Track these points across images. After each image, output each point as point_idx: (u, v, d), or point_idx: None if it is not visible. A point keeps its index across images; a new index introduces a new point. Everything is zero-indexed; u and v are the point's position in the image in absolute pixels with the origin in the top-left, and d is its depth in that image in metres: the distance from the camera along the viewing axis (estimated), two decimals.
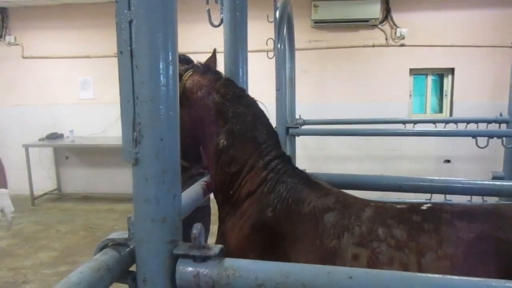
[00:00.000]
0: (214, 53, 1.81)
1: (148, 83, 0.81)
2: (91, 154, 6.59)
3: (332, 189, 1.38)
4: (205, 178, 1.60)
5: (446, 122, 4.77)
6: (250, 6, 2.53)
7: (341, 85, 5.85)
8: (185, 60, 2.00)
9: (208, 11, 1.69)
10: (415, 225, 1.14)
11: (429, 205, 1.20)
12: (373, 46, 5.67)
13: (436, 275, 0.80)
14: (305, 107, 5.06)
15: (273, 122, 3.65)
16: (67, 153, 6.70)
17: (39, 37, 6.56)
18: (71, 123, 6.37)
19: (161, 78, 0.81)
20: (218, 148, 1.48)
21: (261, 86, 4.15)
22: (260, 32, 3.84)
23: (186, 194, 1.40)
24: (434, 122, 4.95)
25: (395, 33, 5.59)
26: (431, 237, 1.10)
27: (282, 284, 0.81)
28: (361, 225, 1.18)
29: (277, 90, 3.69)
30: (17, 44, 6.57)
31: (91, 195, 6.56)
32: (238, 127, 1.48)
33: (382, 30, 5.64)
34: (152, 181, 0.83)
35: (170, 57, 0.81)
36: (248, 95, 1.62)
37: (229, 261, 0.86)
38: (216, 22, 1.71)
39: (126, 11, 0.79)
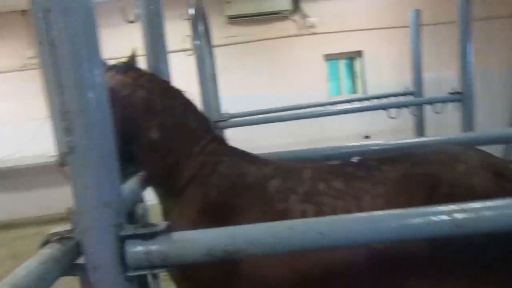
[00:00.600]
0: (134, 51, 1.80)
1: (71, 70, 0.81)
2: (7, 178, 6.10)
3: (269, 159, 1.46)
4: (140, 173, 1.60)
5: (360, 100, 5.14)
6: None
7: (262, 77, 6.02)
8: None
9: (122, 8, 1.69)
10: (349, 175, 1.27)
11: (357, 158, 1.34)
12: (287, 36, 5.91)
13: (358, 214, 0.91)
14: (230, 102, 5.14)
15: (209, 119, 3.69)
16: None
17: None
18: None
19: (85, 64, 0.82)
20: (151, 143, 1.50)
21: (183, 86, 4.14)
22: (175, 32, 3.86)
23: (124, 188, 1.40)
24: (349, 101, 5.31)
25: (306, 22, 5.87)
26: (364, 182, 1.24)
27: (230, 245, 0.86)
28: (303, 184, 1.28)
29: (201, 85, 3.73)
30: None
31: (14, 221, 6.08)
32: (169, 118, 1.51)
33: (294, 21, 5.89)
34: (89, 167, 0.84)
35: (92, 42, 0.82)
36: (173, 87, 1.65)
37: (177, 235, 0.89)
38: (132, 18, 1.71)
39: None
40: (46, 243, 0.87)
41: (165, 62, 1.75)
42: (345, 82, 6.40)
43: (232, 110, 4.91)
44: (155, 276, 0.97)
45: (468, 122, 3.87)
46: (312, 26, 5.88)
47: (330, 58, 6.21)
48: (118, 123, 1.55)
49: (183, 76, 4.56)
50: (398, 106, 4.26)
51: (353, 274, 1.18)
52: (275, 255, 1.21)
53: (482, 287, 1.15)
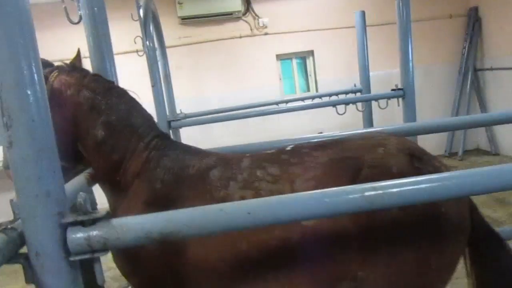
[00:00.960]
0: (78, 52, 1.83)
1: (10, 70, 0.86)
2: None
3: (211, 151, 1.56)
4: (88, 170, 1.64)
5: (312, 98, 5.32)
6: (112, 6, 2.54)
7: (216, 77, 6.10)
8: (46, 64, 1.99)
9: (65, 8, 1.72)
10: (284, 162, 1.39)
11: (292, 146, 1.46)
12: (240, 37, 6.03)
13: (282, 195, 1.02)
14: (185, 102, 5.18)
15: (153, 118, 3.70)
16: None
17: None
18: None
19: (23, 64, 0.87)
20: (97, 141, 1.55)
21: (137, 86, 4.14)
22: (126, 33, 3.86)
23: (70, 184, 1.44)
24: (302, 99, 5.49)
25: (258, 23, 6.02)
26: (297, 167, 1.35)
27: (166, 227, 0.95)
28: (242, 172, 1.38)
29: (152, 86, 3.76)
30: None
31: None
32: (113, 117, 1.56)
33: (246, 22, 6.02)
34: (30, 160, 0.89)
35: (28, 41, 0.88)
36: (117, 86, 1.70)
37: (116, 220, 0.96)
38: (75, 20, 1.74)
39: None
40: None
41: (110, 62, 1.80)
42: (298, 80, 6.60)
43: (188, 110, 4.96)
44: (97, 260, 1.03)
45: (410, 116, 4.12)
46: (264, 27, 6.04)
47: (283, 57, 6.39)
48: (64, 123, 1.60)
49: (136, 76, 4.56)
50: (347, 102, 4.46)
51: (288, 251, 1.29)
52: (216, 238, 1.32)
53: (400, 261, 1.29)
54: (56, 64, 1.72)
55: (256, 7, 5.99)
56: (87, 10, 1.71)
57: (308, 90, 6.59)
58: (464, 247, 1.42)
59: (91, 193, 1.56)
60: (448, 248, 1.33)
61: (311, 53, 6.34)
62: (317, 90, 6.38)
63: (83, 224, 0.93)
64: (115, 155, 1.53)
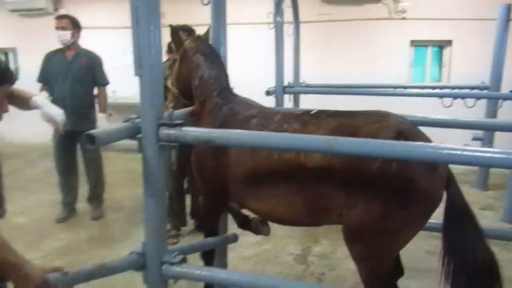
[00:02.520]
0: (208, 29, 2.63)
1: (144, 33, 1.64)
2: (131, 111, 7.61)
3: (257, 104, 2.22)
4: (190, 108, 2.45)
5: (433, 88, 5.36)
6: None
7: (346, 56, 6.48)
8: (187, 29, 2.91)
9: None
10: (305, 121, 1.96)
11: (316, 111, 2.01)
12: (377, 19, 6.26)
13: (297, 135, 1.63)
14: (312, 74, 5.76)
15: (272, 83, 4.42)
16: (111, 110, 7.75)
17: (87, 10, 7.57)
18: (115, 85, 7.39)
19: (151, 30, 1.64)
20: (195, 87, 2.35)
21: (265, 53, 4.92)
22: (263, 6, 4.57)
23: (181, 111, 2.28)
24: (432, 87, 5.53)
25: (397, 7, 6.14)
26: (313, 126, 1.91)
27: (207, 137, 1.65)
28: (273, 123, 2.01)
29: (276, 56, 4.46)
30: None
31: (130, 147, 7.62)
32: (206, 74, 2.33)
33: (386, 4, 6.20)
34: (147, 86, 1.68)
35: (153, 15, 1.63)
36: (217, 55, 2.45)
37: (185, 128, 1.70)
38: (206, 1, 2.52)
39: None
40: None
41: (223, 33, 2.54)
42: (429, 69, 6.54)
43: (313, 82, 5.48)
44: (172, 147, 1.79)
45: None
46: (402, 11, 6.13)
47: (417, 44, 6.39)
48: (186, 72, 2.43)
49: (269, 45, 5.19)
50: (467, 97, 4.30)
51: (291, 172, 1.87)
52: (245, 153, 1.99)
53: (372, 206, 1.74)
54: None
55: None
56: None
57: (440, 80, 6.49)
58: (430, 212, 1.78)
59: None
60: (415, 208, 1.72)
61: (449, 42, 6.20)
62: (449, 82, 6.25)
63: (168, 126, 1.70)
64: (201, 97, 2.31)
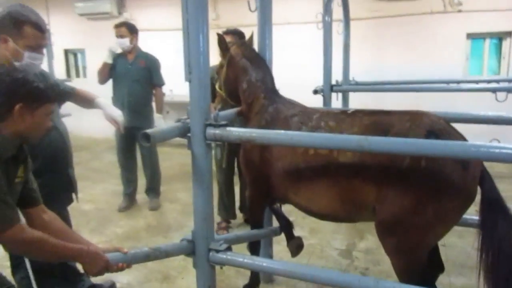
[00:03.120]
0: (252, 35, 2.79)
1: (195, 42, 1.83)
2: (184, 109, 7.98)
3: (299, 104, 2.35)
4: (238, 108, 2.62)
5: (488, 81, 5.15)
6: None
7: (399, 51, 6.35)
8: (236, 32, 3.13)
9: (248, 2, 2.67)
10: (341, 119, 2.09)
11: (353, 109, 2.12)
12: (431, 12, 6.08)
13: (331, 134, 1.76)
14: (365, 71, 5.73)
15: (321, 82, 4.50)
16: (168, 108, 8.17)
17: (148, 13, 8.04)
18: (172, 84, 7.78)
19: (200, 39, 1.82)
20: (243, 90, 2.53)
21: (314, 52, 4.99)
22: (312, 7, 4.65)
23: (228, 112, 2.47)
24: (488, 81, 5.32)
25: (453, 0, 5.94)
26: (347, 124, 2.03)
27: (249, 136, 1.81)
28: (312, 121, 2.15)
29: (324, 55, 4.54)
30: (132, 20, 8.10)
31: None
32: (252, 77, 2.50)
33: None
34: (196, 89, 1.87)
35: (203, 26, 1.80)
36: (262, 59, 2.61)
37: (229, 128, 1.88)
38: (253, 9, 2.68)
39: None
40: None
41: (270, 36, 2.68)
42: (487, 62, 6.26)
43: (366, 79, 5.47)
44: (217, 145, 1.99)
45: None
46: (459, 3, 5.92)
47: (474, 37, 6.14)
48: (233, 76, 2.61)
49: (317, 44, 5.22)
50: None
51: (326, 170, 2.01)
52: (285, 149, 2.14)
53: (404, 201, 1.83)
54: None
55: None
56: (259, 4, 2.60)
57: (498, 73, 6.20)
58: (465, 207, 1.83)
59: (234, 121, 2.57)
60: (446, 203, 1.78)
61: (509, 34, 5.90)
62: (508, 75, 5.96)
63: (213, 126, 1.89)
64: (249, 99, 2.49)
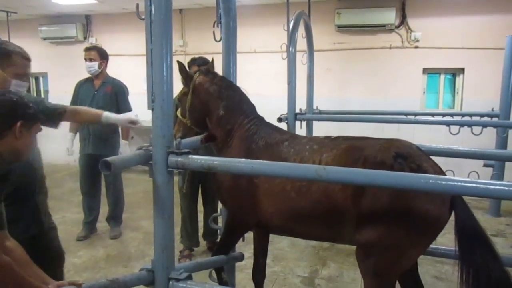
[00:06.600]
0: (212, 61, 2.84)
1: (159, 71, 1.85)
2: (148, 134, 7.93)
3: (288, 132, 2.52)
4: (202, 135, 2.64)
5: (442, 115, 5.45)
6: (270, 15, 3.33)
7: (360, 83, 6.66)
8: (203, 60, 3.20)
9: (214, 32, 2.73)
10: (324, 143, 2.19)
11: (336, 136, 2.24)
12: (390, 47, 6.43)
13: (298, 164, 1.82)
14: (328, 101, 5.93)
15: (284, 110, 4.61)
16: (133, 133, 8.06)
17: (114, 38, 8.02)
18: (137, 110, 7.73)
19: (164, 68, 1.85)
20: (219, 117, 2.53)
21: (279, 81, 5.13)
22: (278, 36, 4.80)
23: (191, 139, 2.48)
24: (442, 115, 5.62)
25: (410, 36, 6.31)
26: (328, 148, 2.13)
27: (210, 165, 1.83)
28: (299, 146, 2.24)
29: (288, 84, 4.67)
30: (98, 45, 8.06)
31: None
32: (230, 103, 2.52)
33: (399, 34, 6.38)
34: (159, 118, 1.88)
35: (167, 54, 1.85)
36: (235, 85, 2.65)
37: (191, 156, 1.89)
38: (218, 39, 2.75)
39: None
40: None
41: (234, 67, 2.74)
42: (442, 96, 6.63)
43: (329, 108, 5.65)
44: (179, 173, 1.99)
45: None
46: (415, 40, 6.29)
47: (430, 72, 6.51)
48: (200, 105, 2.62)
49: (281, 73, 5.35)
50: (479, 125, 4.25)
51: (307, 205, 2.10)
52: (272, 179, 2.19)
53: (379, 235, 1.90)
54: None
55: (411, 21, 6.29)
56: (224, 34, 2.68)
57: (453, 107, 6.56)
58: (431, 231, 1.90)
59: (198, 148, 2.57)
60: (413, 227, 1.86)
61: (462, 70, 6.30)
62: (461, 109, 6.32)
63: (176, 153, 1.89)
64: (229, 126, 2.48)
